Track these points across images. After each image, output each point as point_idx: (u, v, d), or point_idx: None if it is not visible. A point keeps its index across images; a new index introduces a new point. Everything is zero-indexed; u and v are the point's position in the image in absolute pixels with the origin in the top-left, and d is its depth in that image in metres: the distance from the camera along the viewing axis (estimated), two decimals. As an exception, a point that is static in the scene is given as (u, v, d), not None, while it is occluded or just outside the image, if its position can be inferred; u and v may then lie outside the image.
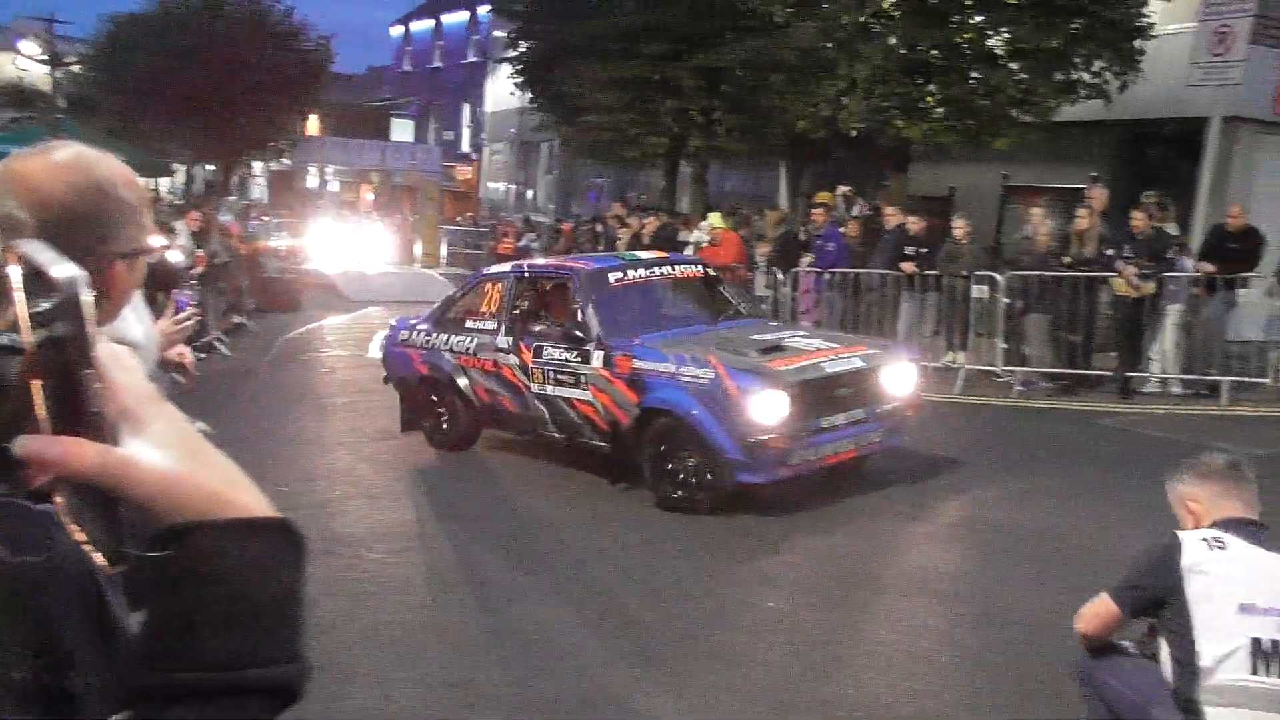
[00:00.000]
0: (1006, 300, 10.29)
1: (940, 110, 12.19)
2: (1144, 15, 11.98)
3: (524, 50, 18.64)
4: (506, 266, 8.61)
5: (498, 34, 25.04)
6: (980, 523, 6.43)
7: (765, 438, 6.30)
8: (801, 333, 7.86)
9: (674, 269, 8.14)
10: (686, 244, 13.39)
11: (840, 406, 6.64)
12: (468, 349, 8.00)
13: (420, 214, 26.78)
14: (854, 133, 12.66)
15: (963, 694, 4.20)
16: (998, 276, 10.45)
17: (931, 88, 12.26)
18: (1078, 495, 6.85)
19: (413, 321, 8.72)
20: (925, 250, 11.01)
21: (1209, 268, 9.84)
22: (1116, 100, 12.32)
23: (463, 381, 8.01)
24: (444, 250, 25.73)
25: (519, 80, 19.04)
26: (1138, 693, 2.89)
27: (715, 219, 13.43)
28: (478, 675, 4.36)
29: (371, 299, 19.33)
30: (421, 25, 40.98)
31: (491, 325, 7.93)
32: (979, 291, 10.66)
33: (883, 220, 12.36)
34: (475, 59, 35.94)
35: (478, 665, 4.45)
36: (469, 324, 8.12)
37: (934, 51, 11.90)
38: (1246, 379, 9.71)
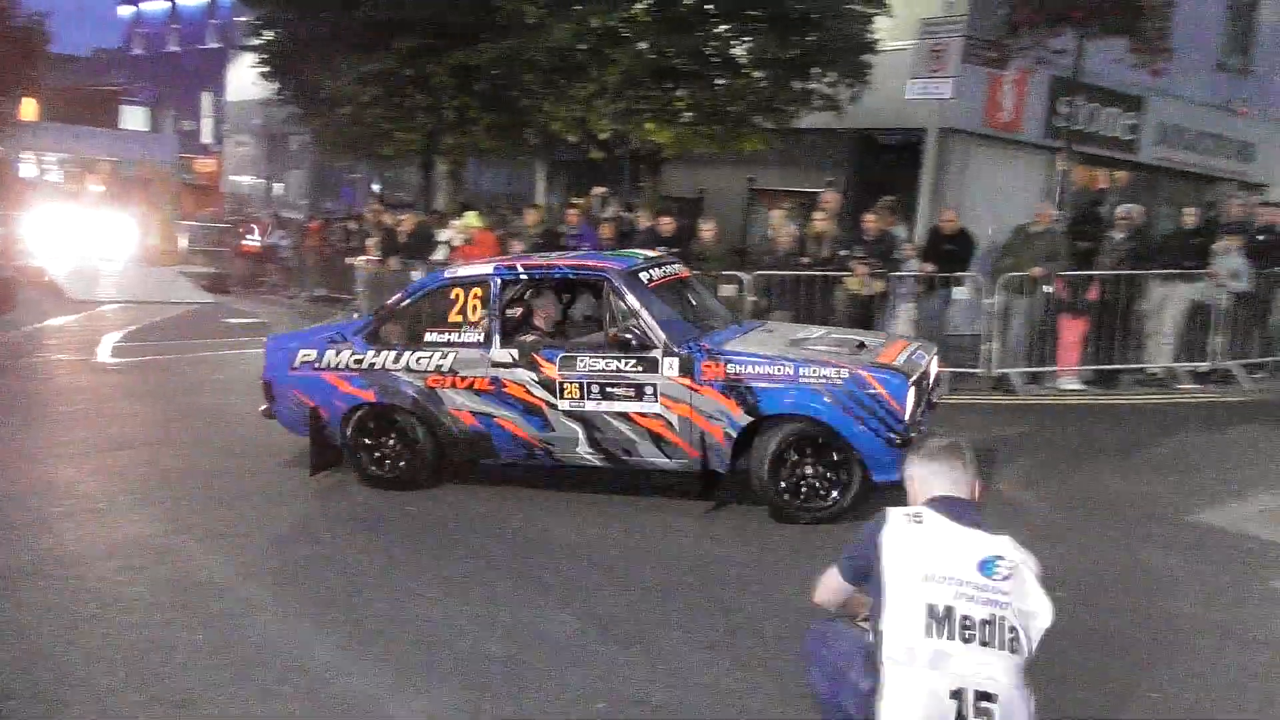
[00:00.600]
0: (753, 298, 10.72)
1: (689, 115, 12.64)
2: (870, 33, 12.82)
3: (269, 39, 17.84)
4: (485, 267, 7.28)
5: (240, 19, 23.83)
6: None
7: (908, 433, 6.16)
8: (828, 331, 7.61)
9: (673, 270, 7.52)
10: (440, 243, 13.27)
11: (925, 400, 6.73)
12: (440, 367, 6.93)
13: (155, 208, 25.23)
14: (604, 135, 12.93)
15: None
16: (744, 276, 10.87)
17: (681, 93, 12.69)
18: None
19: (322, 337, 7.39)
20: (677, 250, 11.37)
21: (929, 267, 10.73)
22: (851, 111, 13.16)
23: (435, 406, 6.94)
24: (183, 245, 24.37)
25: (265, 70, 18.22)
26: (840, 657, 3.08)
27: (471, 217, 13.37)
28: (210, 693, 4.19)
29: (101, 298, 18.00)
30: (154, 6, 38.52)
31: (475, 336, 6.93)
32: (727, 290, 11.15)
33: (635, 221, 12.72)
34: (216, 45, 34.09)
35: (211, 683, 4.26)
36: (431, 337, 7.03)
37: (682, 58, 12.33)
38: (963, 370, 10.52)
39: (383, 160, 19.39)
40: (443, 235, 13.43)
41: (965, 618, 2.83)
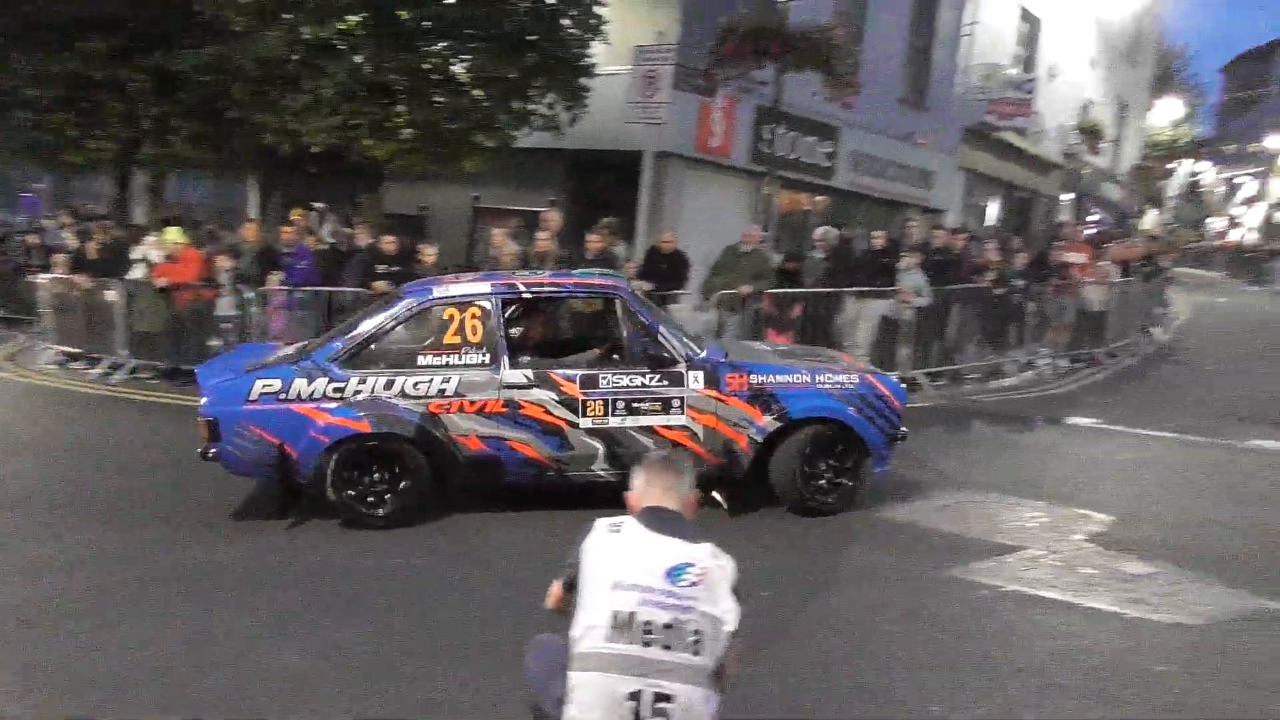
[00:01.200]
0: (476, 317, 10.81)
1: (408, 131, 12.46)
2: (588, 56, 13.16)
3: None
4: (481, 285, 7.00)
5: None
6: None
7: (903, 430, 7.27)
8: (788, 347, 8.81)
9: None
10: (136, 260, 12.34)
11: None
12: (443, 391, 6.69)
13: None
14: (319, 149, 12.52)
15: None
16: (465, 294, 10.92)
17: (399, 109, 12.48)
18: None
19: (284, 365, 6.79)
20: (398, 269, 11.18)
21: (646, 285, 11.12)
22: (572, 132, 13.41)
23: (439, 433, 6.66)
24: None
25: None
26: (546, 666, 3.15)
27: (174, 233, 12.51)
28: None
29: None
30: None
31: (480, 358, 6.76)
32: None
33: (355, 238, 12.38)
34: None
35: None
36: (427, 360, 6.74)
37: (400, 74, 12.14)
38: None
39: (71, 169, 17.84)
40: (136, 252, 12.46)
41: (647, 623, 2.93)
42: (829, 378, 7.15)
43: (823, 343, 11.42)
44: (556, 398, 6.79)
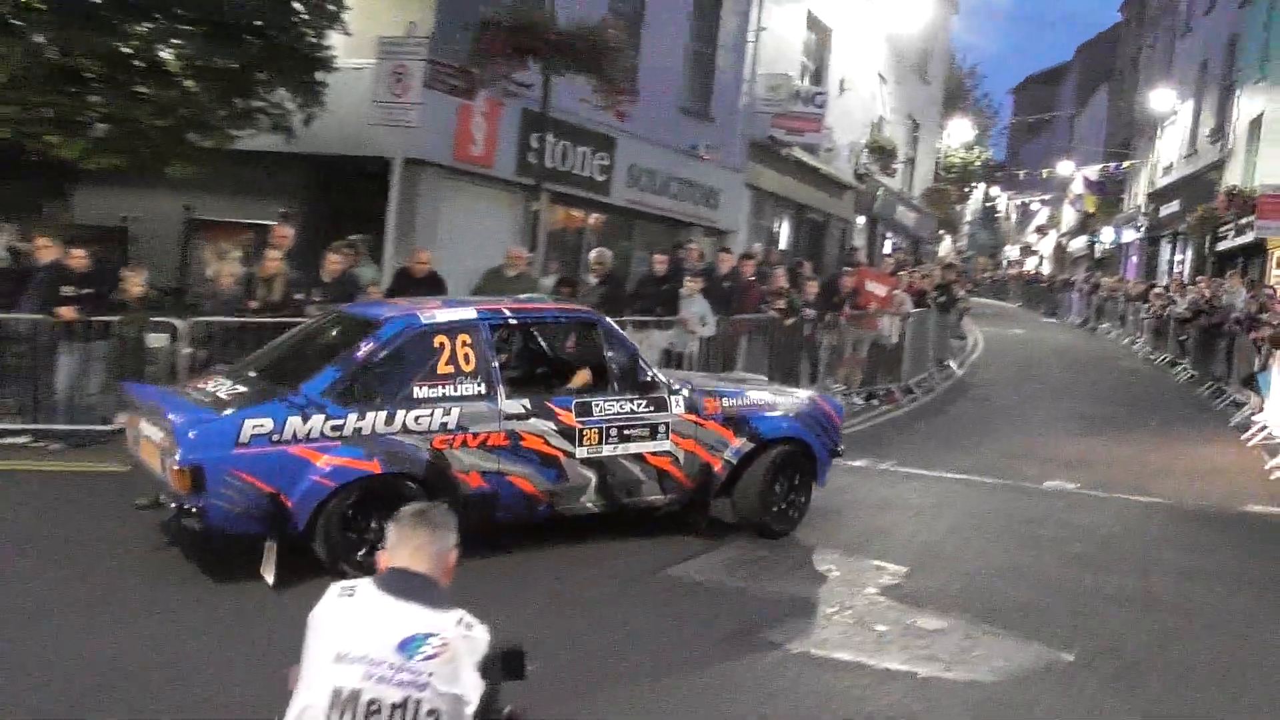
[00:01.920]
0: (189, 349, 10.23)
1: (102, 127, 11.76)
2: (324, 46, 12.74)
3: None
4: (466, 311, 7.42)
5: None
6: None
7: (841, 446, 8.91)
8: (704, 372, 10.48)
9: None
10: None
11: None
12: (445, 424, 6.95)
13: None
14: (-11, 145, 11.64)
15: None
16: (178, 323, 10.36)
17: (93, 99, 11.78)
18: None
19: (272, 402, 6.61)
20: (89, 291, 10.48)
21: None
22: (307, 134, 12.93)
23: (446, 470, 6.89)
24: None
25: None
26: None
27: None
28: None
29: None
30: None
31: (475, 388, 7.11)
32: (157, 341, 10.46)
33: (35, 254, 11.56)
34: None
35: None
36: (423, 392, 6.94)
37: (91, 59, 11.46)
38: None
39: None
40: None
41: (373, 702, 2.84)
42: (786, 399, 8.54)
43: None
44: (555, 427, 7.31)
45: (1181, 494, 11.02)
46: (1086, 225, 49.67)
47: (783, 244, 25.50)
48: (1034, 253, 68.10)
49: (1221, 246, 27.27)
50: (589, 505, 7.52)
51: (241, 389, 7.05)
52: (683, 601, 6.83)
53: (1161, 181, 36.45)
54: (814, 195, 27.03)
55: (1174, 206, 33.39)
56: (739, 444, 8.04)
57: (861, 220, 31.57)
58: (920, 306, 17.36)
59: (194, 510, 6.38)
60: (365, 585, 3.07)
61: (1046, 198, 61.24)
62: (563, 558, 7.48)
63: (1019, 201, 67.57)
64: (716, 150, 20.80)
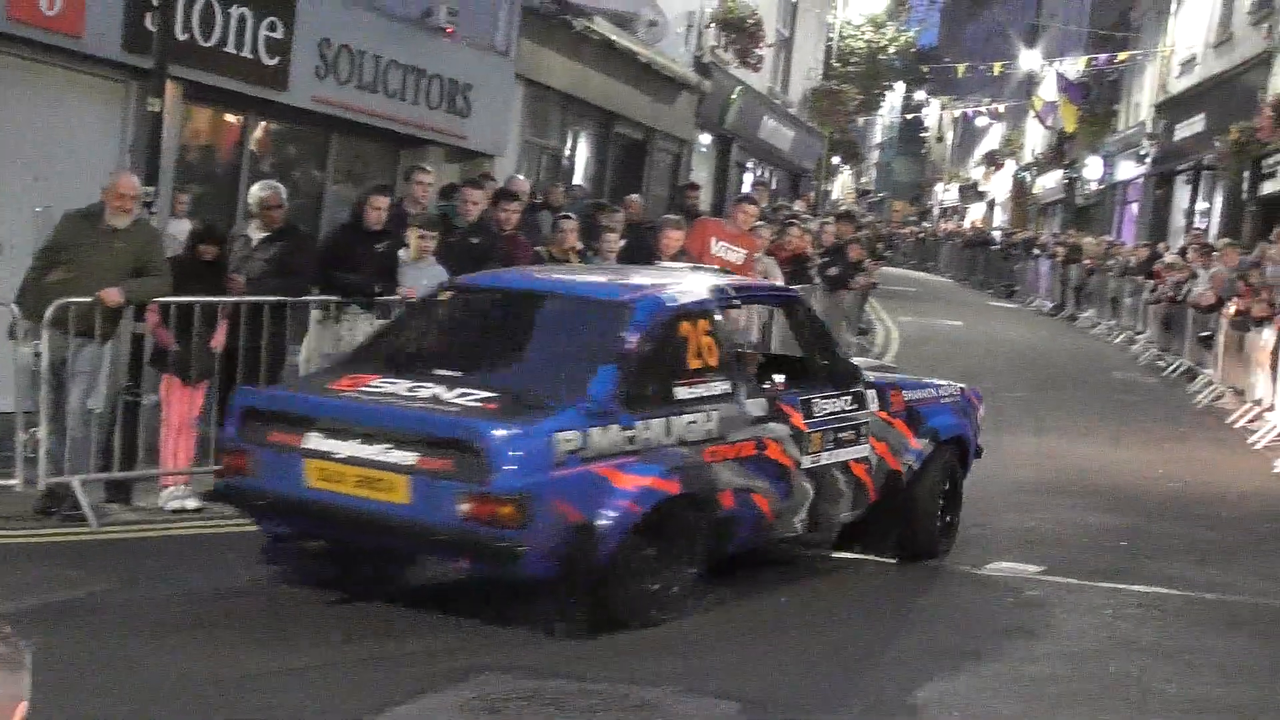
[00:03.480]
0: None
1: None
2: None
3: None
4: (699, 287, 9.73)
5: None
6: None
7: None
8: None
9: None
10: None
11: None
12: (710, 433, 8.83)
13: None
14: None
15: None
16: None
17: None
18: None
19: (577, 417, 8.35)
20: None
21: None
22: None
23: (715, 490, 8.63)
24: None
25: None
26: None
27: None
28: None
29: None
30: None
31: (723, 386, 9.04)
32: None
33: None
34: None
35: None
36: (684, 392, 8.83)
37: None
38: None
39: None
40: None
41: None
42: (947, 389, 10.92)
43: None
44: (789, 432, 9.13)
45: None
46: (1062, 153, 51.47)
47: (577, 176, 25.57)
48: (980, 196, 70.38)
49: (1269, 189, 28.63)
50: (796, 527, 9.31)
51: (479, 391, 8.74)
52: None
53: (1178, 85, 37.80)
54: (630, 97, 26.85)
55: (1196, 125, 34.44)
56: (920, 445, 10.22)
57: (707, 139, 31.93)
58: (798, 281, 17.64)
59: (512, 551, 7.92)
60: None
61: (1001, 108, 63.31)
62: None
63: (958, 113, 69.59)
64: (457, 19, 20.48)
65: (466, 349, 9.71)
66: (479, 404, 8.44)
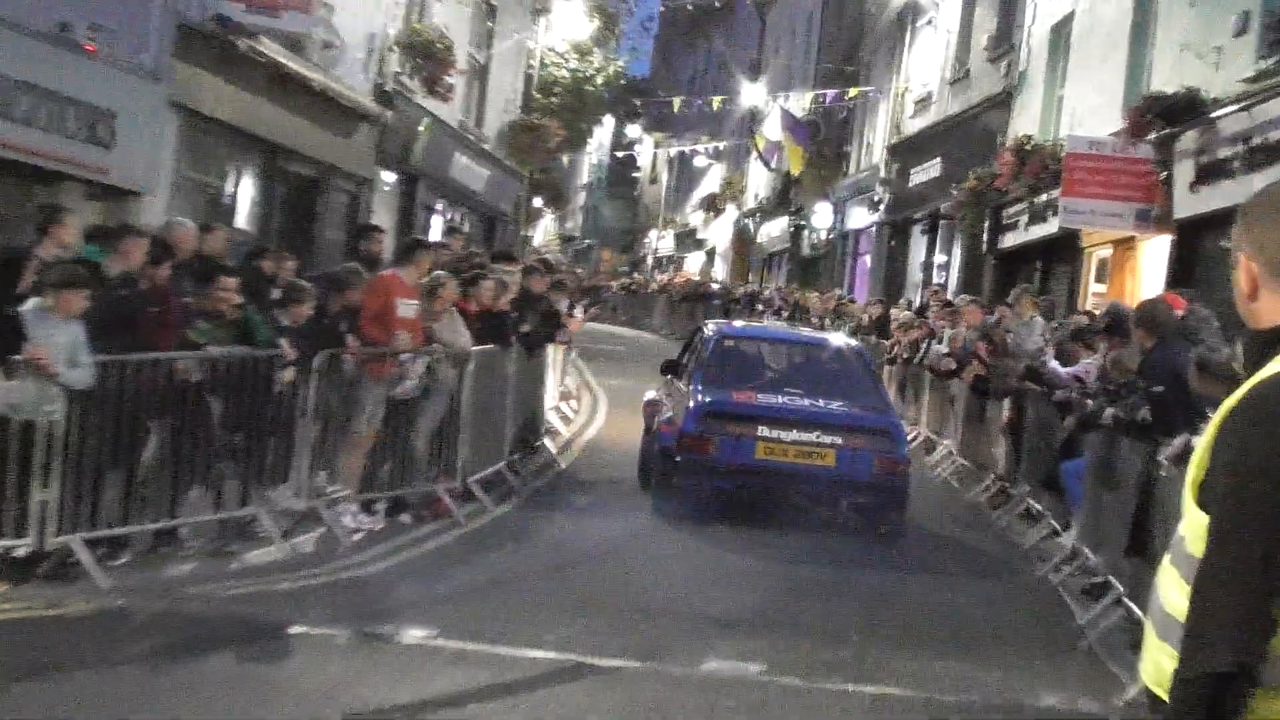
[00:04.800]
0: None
1: None
2: None
3: None
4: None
5: None
6: None
7: None
8: None
9: None
10: None
11: None
12: None
13: None
14: None
15: None
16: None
17: None
18: None
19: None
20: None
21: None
22: None
23: None
24: None
25: None
26: None
27: None
28: None
29: None
30: None
31: None
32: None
33: None
34: None
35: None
36: None
37: None
38: None
39: None
40: None
41: None
42: None
43: None
44: None
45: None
46: (789, 198, 52.27)
47: (240, 220, 25.18)
48: (699, 244, 71.15)
49: (1010, 241, 29.31)
50: None
51: (839, 403, 17.86)
52: None
53: (912, 126, 38.83)
54: (302, 129, 26.71)
55: (933, 169, 35.46)
56: None
57: (390, 177, 31.71)
58: (492, 340, 17.53)
59: (898, 488, 16.94)
60: None
61: (720, 147, 64.09)
62: None
63: (674, 152, 70.17)
64: (97, 37, 20.00)
65: (786, 379, 18.57)
66: (861, 410, 17.13)
